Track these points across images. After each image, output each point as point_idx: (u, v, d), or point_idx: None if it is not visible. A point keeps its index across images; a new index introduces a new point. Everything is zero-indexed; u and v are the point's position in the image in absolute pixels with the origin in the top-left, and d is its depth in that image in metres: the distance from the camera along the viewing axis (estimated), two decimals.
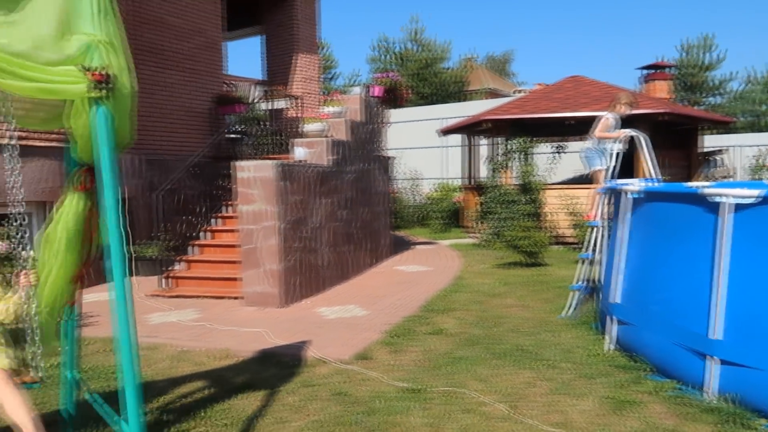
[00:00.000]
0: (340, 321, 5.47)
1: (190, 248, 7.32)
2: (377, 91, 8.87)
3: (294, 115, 11.53)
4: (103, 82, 2.22)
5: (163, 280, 6.91)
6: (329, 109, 7.71)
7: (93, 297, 6.04)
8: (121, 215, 2.30)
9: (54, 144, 6.63)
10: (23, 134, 6.35)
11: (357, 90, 8.47)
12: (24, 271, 2.34)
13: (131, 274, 7.69)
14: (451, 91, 26.09)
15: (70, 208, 2.37)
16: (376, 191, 8.77)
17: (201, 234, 7.65)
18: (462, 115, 15.18)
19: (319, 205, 6.87)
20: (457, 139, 15.25)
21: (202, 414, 3.31)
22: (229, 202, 8.13)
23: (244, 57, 50.03)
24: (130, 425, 2.06)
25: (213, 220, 7.86)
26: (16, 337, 2.45)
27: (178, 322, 5.49)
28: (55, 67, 2.18)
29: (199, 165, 8.82)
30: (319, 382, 3.84)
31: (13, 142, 2.17)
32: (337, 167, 7.31)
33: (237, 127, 10.72)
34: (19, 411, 2.02)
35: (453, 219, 13.70)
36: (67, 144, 2.65)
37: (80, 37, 2.25)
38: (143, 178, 8.53)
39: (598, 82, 12.39)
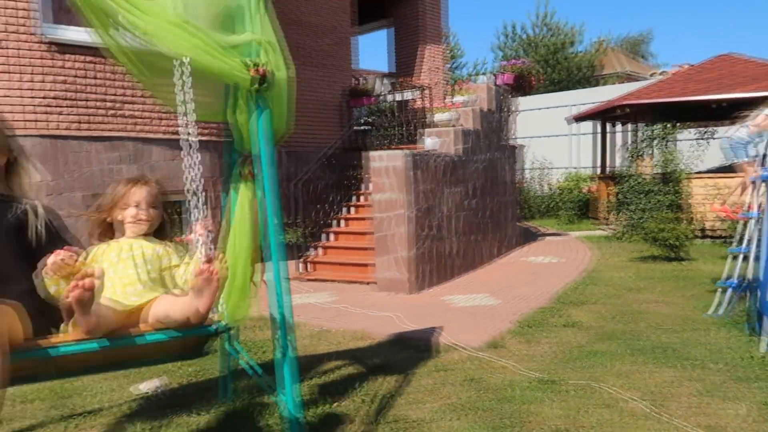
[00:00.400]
0: (470, 309, 5.51)
1: (324, 235, 7.71)
2: (506, 78, 8.73)
3: (421, 105, 11.66)
4: (263, 78, 2.41)
5: (301, 265, 7.35)
6: (458, 99, 7.73)
7: None
8: (276, 202, 2.51)
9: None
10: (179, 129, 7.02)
11: (485, 78, 8.40)
12: (198, 222, 2.21)
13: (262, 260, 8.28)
14: (582, 76, 24.89)
15: (244, 196, 2.58)
16: (503, 181, 8.66)
17: (334, 222, 8.02)
18: (593, 101, 14.46)
19: (448, 194, 6.93)
20: (588, 126, 14.58)
21: (342, 390, 3.52)
22: (360, 192, 8.45)
23: (371, 50, 51.30)
24: (287, 396, 2.25)
25: (345, 209, 8.21)
26: None
27: (316, 304, 5.83)
28: (229, 54, 2.37)
29: (332, 156, 9.25)
30: (451, 367, 3.92)
31: (193, 138, 2.29)
32: (465, 156, 7.32)
33: (366, 119, 11.06)
34: (188, 299, 1.99)
35: (583, 210, 13.14)
36: (224, 138, 2.90)
37: (242, 35, 2.46)
38: (282, 169, 9.10)
39: (754, 60, 11.20)
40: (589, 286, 6.32)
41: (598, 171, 13.09)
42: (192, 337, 2.17)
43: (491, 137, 8.11)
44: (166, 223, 2.36)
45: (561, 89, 22.05)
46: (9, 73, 6.00)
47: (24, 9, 6.04)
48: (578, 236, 10.65)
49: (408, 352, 4.28)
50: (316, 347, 4.44)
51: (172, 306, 2.00)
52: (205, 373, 3.88)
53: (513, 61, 9.40)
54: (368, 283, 6.65)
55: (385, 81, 13.29)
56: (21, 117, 6.04)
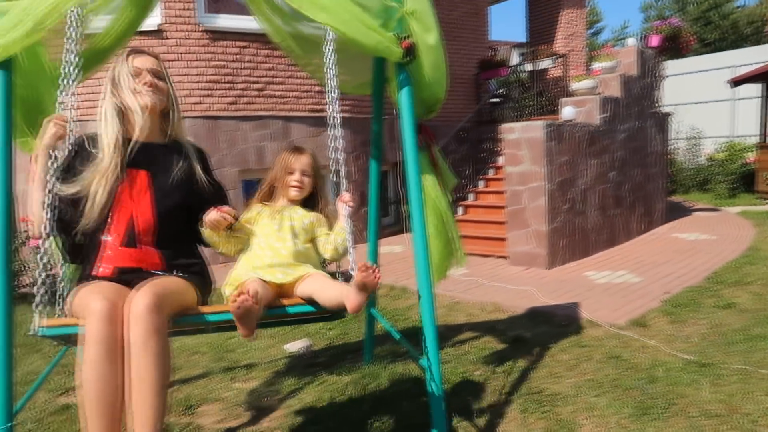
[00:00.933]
0: (611, 286, 5.25)
1: (458, 208, 7.72)
2: (654, 41, 8.07)
3: (558, 74, 11.15)
4: (408, 50, 2.45)
5: None
6: (600, 65, 7.28)
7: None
8: (417, 175, 2.56)
9: (346, 115, 7.55)
10: (322, 107, 7.36)
11: (632, 41, 7.82)
12: (344, 193, 2.33)
13: (404, 231, 8.45)
14: (746, 34, 22.24)
15: (422, 166, 2.69)
16: (649, 151, 8.07)
17: (467, 195, 7.99)
18: (760, 61, 12.88)
19: (588, 166, 6.61)
20: (750, 90, 13.04)
21: (478, 360, 3.55)
22: (493, 165, 8.32)
23: (501, 21, 49.66)
24: (430, 361, 2.31)
25: (478, 182, 8.14)
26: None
27: (450, 276, 5.87)
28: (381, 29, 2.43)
29: (464, 129, 9.18)
30: (591, 343, 3.79)
31: (337, 114, 2.37)
32: (607, 126, 6.91)
33: (499, 90, 10.82)
34: (339, 285, 2.10)
35: (742, 183, 11.86)
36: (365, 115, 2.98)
37: (390, 7, 2.50)
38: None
39: None
40: (749, 266, 5.73)
41: (764, 140, 11.70)
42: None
43: (637, 105, 7.57)
44: (318, 192, 2.46)
45: (718, 50, 19.88)
46: (171, 60, 6.63)
47: (184, 1, 6.62)
48: (736, 212, 9.66)
49: (545, 326, 4.20)
50: (451, 318, 4.50)
51: (321, 293, 2.06)
52: (346, 337, 4.10)
53: (663, 21, 8.63)
54: (499, 257, 6.58)
55: (518, 51, 12.86)
56: (185, 100, 6.66)
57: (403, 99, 2.52)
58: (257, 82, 7.04)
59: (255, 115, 7.00)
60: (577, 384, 3.15)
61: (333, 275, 2.40)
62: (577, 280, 5.51)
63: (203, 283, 2.13)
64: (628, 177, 7.47)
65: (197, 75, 6.70)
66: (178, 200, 2.07)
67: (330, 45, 2.42)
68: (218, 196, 2.19)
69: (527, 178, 6.08)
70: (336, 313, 2.35)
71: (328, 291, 2.04)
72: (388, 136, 6.92)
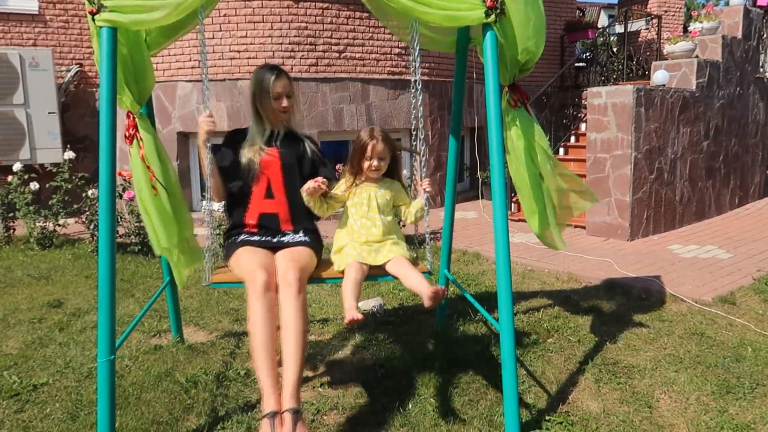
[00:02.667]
0: (697, 260, 5.00)
1: None
2: (765, 0, 7.40)
3: (650, 37, 10.50)
4: (494, 8, 2.37)
5: (513, 205, 7.31)
6: (699, 25, 6.78)
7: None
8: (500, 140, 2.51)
9: (424, 78, 7.47)
10: (400, 70, 7.32)
11: (738, 0, 7.21)
12: (422, 180, 2.74)
13: (479, 198, 8.36)
14: None
15: (512, 127, 2.69)
16: (750, 121, 7.51)
17: None
18: None
19: (679, 134, 6.24)
20: None
21: (551, 328, 3.50)
22: (575, 131, 8.02)
23: None
24: (504, 322, 2.30)
25: (558, 149, 7.88)
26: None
27: (523, 243, 5.79)
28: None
29: (546, 94, 8.86)
30: (673, 318, 3.65)
31: (417, 78, 2.51)
32: (703, 92, 6.47)
33: (585, 54, 10.33)
34: (419, 278, 2.50)
35: None
36: (443, 78, 2.90)
37: None
38: None
39: None
40: None
41: None
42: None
43: (738, 70, 7.02)
44: (397, 162, 2.83)
45: None
46: (255, 22, 6.77)
47: None
48: None
49: (622, 298, 4.08)
50: (524, 285, 4.45)
51: (403, 278, 2.54)
52: (417, 298, 4.12)
53: None
54: (577, 227, 6.39)
55: (607, 13, 12.17)
56: (267, 62, 6.80)
57: (488, 60, 2.45)
58: (338, 44, 7.07)
59: (335, 77, 7.06)
60: (655, 358, 3.06)
61: (412, 239, 2.99)
62: (659, 254, 5.28)
63: (318, 244, 2.82)
64: (723, 147, 7.00)
65: (280, 37, 6.81)
66: (296, 166, 2.80)
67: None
68: (324, 167, 2.86)
69: (612, 146, 5.82)
70: None
71: (409, 280, 2.51)
72: (465, 101, 6.81)
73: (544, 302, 4.03)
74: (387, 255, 2.63)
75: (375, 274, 2.65)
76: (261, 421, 2.18)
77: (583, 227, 6.26)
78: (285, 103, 2.77)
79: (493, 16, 2.37)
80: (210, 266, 2.60)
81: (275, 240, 2.69)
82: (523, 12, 2.42)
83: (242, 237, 2.70)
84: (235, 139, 2.85)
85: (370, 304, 3.93)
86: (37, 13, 7.60)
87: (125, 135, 2.64)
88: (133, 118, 2.61)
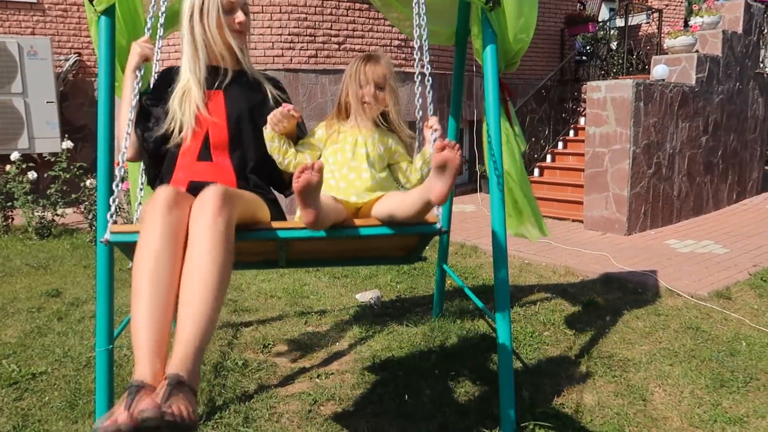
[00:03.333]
0: (694, 255, 5.02)
1: (534, 170, 7.53)
2: None
3: (651, 31, 10.49)
4: None
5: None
6: (700, 20, 6.77)
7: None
8: (498, 132, 2.52)
9: (423, 70, 7.46)
10: (401, 62, 7.30)
11: None
12: (426, 121, 2.11)
13: (477, 191, 8.36)
14: None
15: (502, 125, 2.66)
16: (749, 116, 7.51)
17: (545, 156, 7.77)
18: None
19: (678, 129, 6.25)
20: None
21: (547, 321, 3.52)
22: (574, 126, 8.02)
23: None
24: (501, 315, 2.32)
25: (557, 143, 7.88)
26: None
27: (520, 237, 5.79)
28: None
29: (545, 88, 8.85)
30: (668, 312, 3.67)
31: (426, 71, 2.10)
32: (701, 87, 6.47)
33: (585, 48, 10.31)
34: (417, 190, 1.83)
35: None
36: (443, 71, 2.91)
37: None
38: None
39: None
40: None
41: None
42: (413, 237, 2.04)
43: (737, 65, 7.02)
44: (398, 108, 2.22)
45: None
46: (255, 12, 6.74)
47: None
48: None
49: (618, 292, 4.10)
50: (521, 278, 4.47)
51: (399, 204, 1.84)
52: (415, 290, 4.17)
53: None
54: (575, 221, 6.41)
55: (608, 6, 12.14)
56: (266, 52, 6.79)
57: (486, 49, 2.46)
58: (337, 35, 7.05)
59: (334, 68, 7.04)
60: (650, 352, 3.08)
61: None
62: (656, 248, 5.31)
63: (277, 211, 2.09)
64: (722, 142, 7.01)
65: (279, 27, 6.79)
66: (248, 120, 2.10)
67: None
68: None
69: (610, 140, 5.83)
70: (408, 257, 2.31)
71: (407, 198, 1.82)
72: (465, 94, 6.79)
73: (541, 295, 4.05)
74: (373, 196, 1.98)
75: (356, 225, 1.89)
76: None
77: (581, 221, 6.28)
78: (241, 17, 2.08)
79: (490, 4, 2.38)
80: (114, 220, 1.84)
81: None
82: (517, 5, 2.43)
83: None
84: (169, 78, 2.15)
85: (368, 296, 3.95)
86: (35, 1, 7.57)
87: None
88: None
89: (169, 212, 1.59)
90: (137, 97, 2.00)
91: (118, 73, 2.49)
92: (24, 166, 5.90)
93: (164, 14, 2.20)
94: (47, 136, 7.29)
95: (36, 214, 5.80)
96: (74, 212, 6.16)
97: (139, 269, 1.54)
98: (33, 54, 7.12)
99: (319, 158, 2.14)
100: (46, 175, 6.08)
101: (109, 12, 2.25)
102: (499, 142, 2.50)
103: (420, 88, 2.16)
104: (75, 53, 7.83)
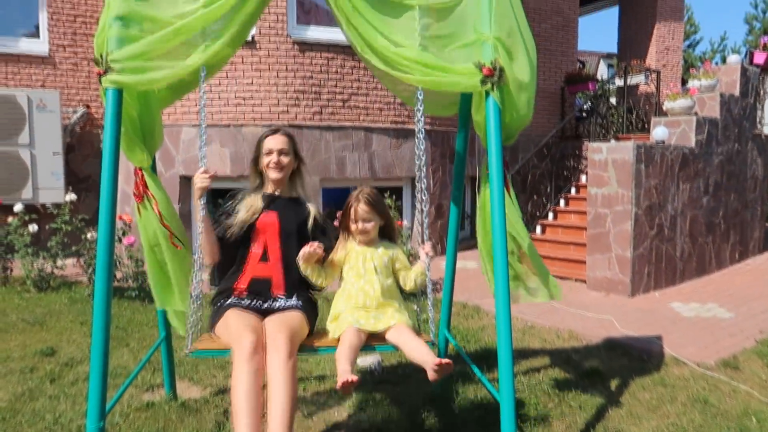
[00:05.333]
0: (699, 320, 4.95)
1: (537, 227, 7.53)
2: (760, 58, 7.57)
3: (650, 90, 10.69)
4: (492, 76, 2.42)
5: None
6: (697, 83, 6.90)
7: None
8: (501, 201, 2.52)
9: (426, 127, 7.56)
10: (403, 120, 7.40)
11: (735, 59, 7.36)
12: (424, 244, 2.61)
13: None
14: None
15: (485, 192, 2.69)
16: (749, 176, 7.56)
17: (547, 214, 7.78)
18: None
19: (679, 190, 6.27)
20: None
21: (552, 392, 3.44)
22: (576, 183, 8.06)
23: (588, 31, 47.98)
24: (505, 394, 2.26)
25: (559, 201, 7.91)
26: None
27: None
28: (454, 65, 2.47)
29: (546, 145, 8.95)
30: (675, 383, 3.58)
31: (421, 126, 2.55)
32: (702, 149, 6.54)
33: (585, 105, 10.49)
34: (422, 349, 2.41)
35: None
36: (444, 128, 2.96)
37: (477, 37, 2.50)
38: None
39: None
40: None
41: None
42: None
43: (736, 126, 7.12)
44: (392, 225, 2.79)
45: None
46: (261, 70, 6.89)
47: (275, 14, 6.86)
48: None
49: (624, 359, 4.02)
50: (524, 342, 4.40)
51: (405, 349, 2.44)
52: None
53: None
54: (578, 281, 6.36)
55: (606, 62, 12.40)
56: (271, 109, 6.90)
57: (489, 125, 2.49)
58: (342, 93, 7.18)
59: (338, 125, 7.14)
60: (658, 428, 2.99)
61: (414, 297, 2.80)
62: (661, 311, 5.24)
63: (313, 312, 2.72)
64: (723, 203, 7.03)
65: (285, 85, 6.92)
66: (295, 232, 2.75)
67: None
68: (323, 236, 2.79)
69: (612, 201, 5.84)
70: None
71: (413, 352, 2.41)
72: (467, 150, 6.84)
73: (545, 362, 3.97)
74: (388, 322, 2.52)
75: (374, 343, 2.52)
76: None
77: (584, 281, 6.23)
78: (276, 158, 2.75)
79: (489, 85, 2.42)
80: (192, 333, 2.49)
81: (266, 305, 2.59)
82: (519, 85, 2.47)
83: (230, 300, 2.60)
84: (236, 199, 2.81)
85: (368, 360, 3.87)
86: (47, 55, 7.75)
87: (134, 193, 2.66)
88: (142, 176, 2.62)
89: (251, 358, 2.27)
90: (204, 221, 2.54)
91: (130, 143, 2.52)
92: (26, 217, 5.91)
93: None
94: (51, 187, 7.33)
95: (35, 266, 5.77)
96: (74, 265, 6.13)
97: (237, 405, 2.19)
98: (42, 107, 7.23)
99: (341, 278, 2.74)
100: (47, 226, 6.08)
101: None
102: (503, 212, 2.50)
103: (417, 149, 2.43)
104: (83, 105, 7.96)
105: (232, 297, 2.62)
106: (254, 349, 2.28)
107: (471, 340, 4.38)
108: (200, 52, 2.37)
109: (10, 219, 5.88)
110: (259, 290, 2.62)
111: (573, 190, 7.97)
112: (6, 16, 7.71)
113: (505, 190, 2.82)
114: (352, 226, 2.64)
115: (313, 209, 2.85)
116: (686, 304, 5.49)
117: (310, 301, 2.75)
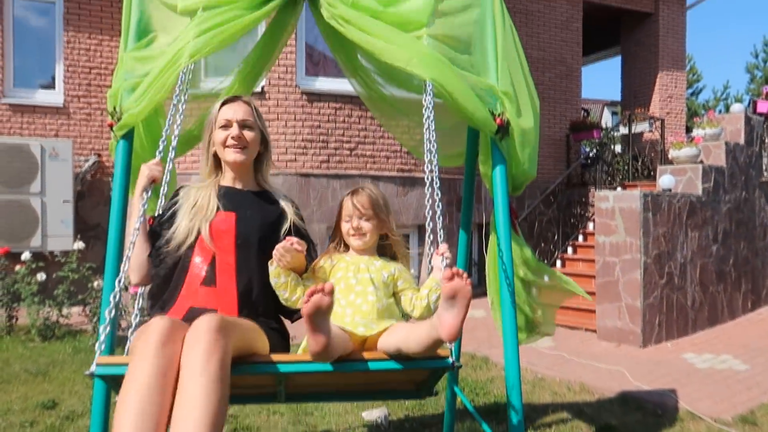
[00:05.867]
0: (713, 372, 4.83)
1: (545, 276, 7.46)
2: (763, 107, 7.63)
3: (654, 137, 10.77)
4: (501, 127, 2.45)
5: None
6: (702, 132, 6.95)
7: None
8: (509, 251, 2.52)
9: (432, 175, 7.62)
10: (410, 167, 7.46)
11: (738, 108, 7.43)
12: (440, 246, 1.98)
13: (486, 295, 8.26)
14: None
15: (494, 240, 2.69)
16: (758, 224, 7.52)
17: (555, 261, 7.73)
18: None
19: (687, 238, 6.23)
20: None
21: None
22: (583, 231, 8.04)
23: (595, 78, 48.83)
24: None
25: (567, 248, 7.87)
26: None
27: (535, 348, 5.64)
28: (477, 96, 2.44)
29: (553, 192, 8.98)
30: None
31: (435, 175, 2.10)
32: (708, 197, 6.53)
33: (590, 152, 10.56)
34: (424, 324, 1.74)
35: None
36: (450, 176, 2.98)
37: (489, 86, 2.53)
38: None
39: None
40: None
41: None
42: (422, 372, 1.94)
43: (742, 174, 7.12)
44: (397, 241, 2.19)
45: None
46: (271, 120, 7.01)
47: (285, 65, 7.03)
48: None
49: (638, 414, 3.91)
50: (535, 395, 4.30)
51: (405, 339, 1.77)
52: (424, 408, 3.99)
53: None
54: (588, 330, 6.25)
55: (610, 109, 12.54)
56: (279, 157, 6.99)
57: (496, 176, 2.51)
58: (349, 142, 7.28)
59: (345, 173, 7.20)
60: None
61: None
62: (674, 363, 5.12)
63: (281, 339, 2.03)
64: (732, 251, 6.97)
65: (293, 134, 7.03)
66: (256, 241, 2.03)
67: (429, 99, 2.23)
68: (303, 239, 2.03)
69: (621, 250, 5.81)
70: (418, 391, 2.18)
71: (415, 332, 1.76)
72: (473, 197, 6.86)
73: (557, 417, 3.86)
74: (383, 326, 1.90)
75: (362, 358, 1.82)
76: None
77: (594, 331, 6.13)
78: (237, 131, 2.06)
79: (499, 135, 2.46)
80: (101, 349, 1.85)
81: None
82: (525, 139, 2.51)
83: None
84: (179, 196, 2.14)
85: (375, 414, 3.78)
86: (61, 106, 7.93)
87: None
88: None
89: (162, 347, 1.55)
90: (143, 218, 1.99)
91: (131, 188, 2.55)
92: (34, 265, 5.92)
93: (177, 138, 2.16)
94: (60, 235, 7.37)
95: (41, 315, 5.75)
96: (79, 314, 6.11)
97: (124, 408, 1.47)
98: (54, 155, 7.35)
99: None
100: (54, 275, 6.09)
101: (128, 136, 2.34)
102: (511, 262, 2.50)
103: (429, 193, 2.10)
104: (95, 154, 8.09)
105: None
106: (166, 337, 1.56)
107: (480, 393, 4.28)
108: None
109: (17, 267, 5.89)
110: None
111: (581, 238, 7.93)
112: (25, 69, 7.93)
113: (514, 233, 2.82)
114: (344, 227, 2.10)
115: (289, 209, 2.16)
116: (699, 356, 5.37)
117: (280, 332, 2.07)
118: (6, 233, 7.09)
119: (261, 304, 2.02)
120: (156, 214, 2.19)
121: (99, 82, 8.13)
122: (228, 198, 2.08)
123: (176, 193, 2.18)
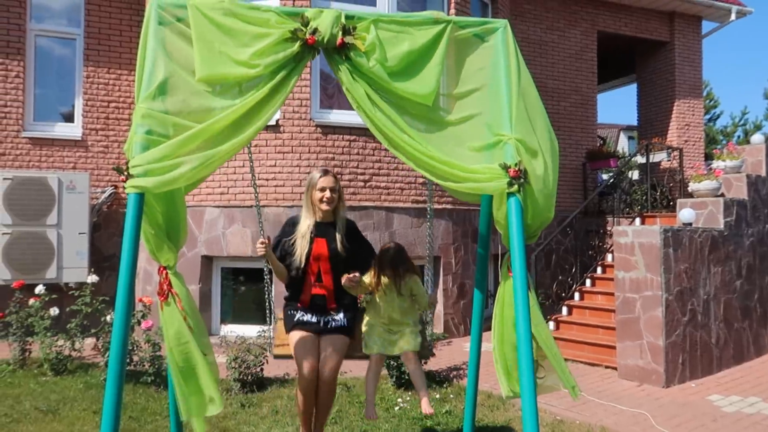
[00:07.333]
0: (741, 416, 4.65)
1: (562, 308, 7.31)
2: None
3: (673, 166, 10.62)
4: (518, 177, 2.41)
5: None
6: (722, 164, 6.82)
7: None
8: (525, 299, 2.44)
9: (447, 206, 7.56)
10: (424, 199, 7.40)
11: (758, 138, 7.30)
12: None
13: None
14: None
15: (504, 291, 2.68)
16: None
17: (573, 294, 7.57)
18: None
19: (710, 273, 6.07)
20: None
21: None
22: (601, 262, 7.88)
23: (612, 105, 48.66)
24: None
25: (585, 281, 7.71)
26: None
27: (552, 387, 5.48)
28: (479, 166, 2.47)
29: (570, 222, 8.85)
30: None
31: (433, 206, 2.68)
32: (730, 231, 6.37)
33: (609, 181, 10.44)
34: (419, 382, 3.31)
35: None
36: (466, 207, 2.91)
37: (499, 139, 2.51)
38: None
39: None
40: None
41: None
42: None
43: (765, 207, 6.96)
44: (403, 279, 3.40)
45: None
46: (285, 152, 7.02)
47: (299, 99, 7.05)
48: None
49: None
50: None
51: (411, 374, 3.42)
52: None
53: None
54: (608, 368, 6.08)
55: (626, 134, 12.42)
56: (294, 189, 6.98)
57: (512, 225, 2.45)
58: (363, 174, 7.25)
59: (360, 205, 7.16)
60: None
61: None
62: (699, 406, 4.94)
63: (354, 321, 3.53)
64: (757, 285, 6.78)
65: (307, 166, 7.02)
66: (340, 255, 3.47)
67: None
68: (364, 252, 3.58)
69: (641, 286, 5.66)
70: None
71: (415, 380, 3.38)
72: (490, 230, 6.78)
73: None
74: (402, 347, 3.34)
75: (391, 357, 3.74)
76: None
77: (615, 368, 5.95)
78: (328, 195, 3.43)
79: (516, 186, 2.41)
80: (272, 338, 3.68)
81: (322, 324, 3.42)
82: (541, 185, 2.46)
83: (298, 315, 3.44)
84: (293, 224, 3.59)
85: None
86: (80, 139, 8.02)
87: (158, 292, 2.63)
88: (167, 275, 2.61)
89: (309, 375, 3.24)
90: (271, 265, 3.53)
91: (157, 245, 2.55)
92: (47, 298, 5.91)
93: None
94: (76, 266, 7.39)
95: (54, 349, 5.73)
96: (92, 347, 6.08)
97: (300, 402, 3.37)
98: (72, 188, 7.41)
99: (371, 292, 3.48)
100: (68, 308, 6.08)
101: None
102: (527, 303, 2.44)
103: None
104: (111, 186, 8.15)
105: (299, 309, 3.48)
106: (310, 372, 3.24)
107: None
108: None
109: (31, 301, 5.89)
110: (318, 303, 3.46)
111: (599, 270, 7.77)
112: (45, 102, 8.07)
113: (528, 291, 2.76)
114: (374, 281, 3.39)
115: (338, 236, 3.50)
116: (726, 397, 5.18)
117: (354, 309, 3.58)
118: (22, 265, 7.12)
119: (343, 291, 3.43)
120: (279, 235, 3.64)
121: (117, 115, 8.23)
122: (321, 230, 3.51)
123: (293, 222, 3.62)
